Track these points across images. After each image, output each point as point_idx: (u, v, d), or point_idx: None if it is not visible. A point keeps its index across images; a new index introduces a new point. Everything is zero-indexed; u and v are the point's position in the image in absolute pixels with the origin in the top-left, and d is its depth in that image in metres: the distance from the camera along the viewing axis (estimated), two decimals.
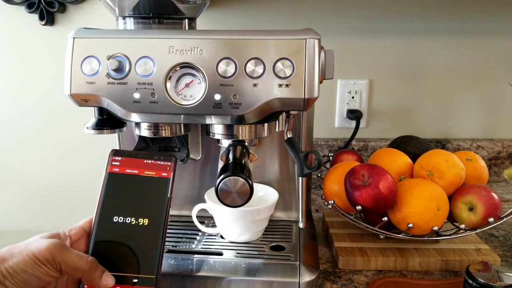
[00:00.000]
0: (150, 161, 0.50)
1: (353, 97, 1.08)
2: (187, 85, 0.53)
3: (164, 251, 0.47)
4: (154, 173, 0.50)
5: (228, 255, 0.63)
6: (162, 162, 0.50)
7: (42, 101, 1.09)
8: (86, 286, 0.45)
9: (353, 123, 1.07)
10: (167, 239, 0.66)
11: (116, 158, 0.50)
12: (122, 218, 0.48)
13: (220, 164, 0.56)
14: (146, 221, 0.48)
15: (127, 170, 0.49)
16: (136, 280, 0.45)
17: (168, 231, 0.59)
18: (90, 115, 0.58)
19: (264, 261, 0.61)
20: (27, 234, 0.43)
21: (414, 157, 0.73)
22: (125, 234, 0.47)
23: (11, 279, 0.39)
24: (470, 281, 0.52)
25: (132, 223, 0.47)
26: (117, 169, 0.49)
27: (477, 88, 1.08)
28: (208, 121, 0.55)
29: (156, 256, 0.46)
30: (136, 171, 0.50)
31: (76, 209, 1.16)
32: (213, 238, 0.68)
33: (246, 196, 0.51)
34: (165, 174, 0.50)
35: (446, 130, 1.11)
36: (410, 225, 0.62)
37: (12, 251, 0.41)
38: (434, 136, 1.11)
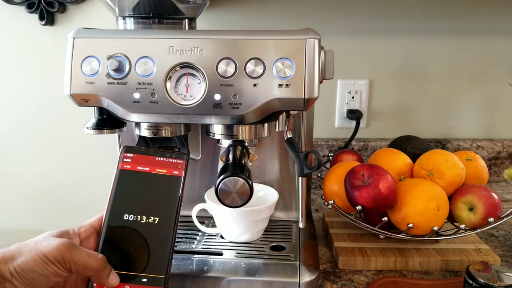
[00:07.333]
0: (162, 159, 0.50)
1: (353, 97, 1.08)
2: (187, 85, 0.53)
3: (174, 251, 0.47)
4: (165, 171, 0.49)
5: (228, 255, 0.63)
6: (174, 160, 0.50)
7: (42, 101, 1.09)
8: (95, 285, 0.44)
9: (353, 123, 1.07)
10: None
11: (128, 155, 0.49)
12: (132, 216, 0.47)
13: (220, 164, 0.56)
14: (156, 220, 0.47)
15: (138, 167, 0.49)
16: (145, 280, 0.45)
17: None
18: (90, 115, 0.58)
19: (264, 261, 0.61)
20: (27, 233, 0.43)
21: (414, 157, 0.73)
22: (135, 232, 0.47)
23: (19, 278, 0.39)
24: (470, 281, 0.52)
25: (143, 221, 0.47)
26: (129, 166, 0.49)
27: (477, 88, 1.08)
28: (208, 121, 0.55)
29: (166, 256, 0.46)
30: (148, 169, 0.49)
31: (77, 209, 1.16)
32: (213, 238, 0.68)
33: (246, 196, 0.51)
34: (177, 172, 0.49)
35: (446, 130, 1.11)
36: (410, 225, 0.62)
37: (21, 249, 0.40)
38: (434, 136, 1.11)
